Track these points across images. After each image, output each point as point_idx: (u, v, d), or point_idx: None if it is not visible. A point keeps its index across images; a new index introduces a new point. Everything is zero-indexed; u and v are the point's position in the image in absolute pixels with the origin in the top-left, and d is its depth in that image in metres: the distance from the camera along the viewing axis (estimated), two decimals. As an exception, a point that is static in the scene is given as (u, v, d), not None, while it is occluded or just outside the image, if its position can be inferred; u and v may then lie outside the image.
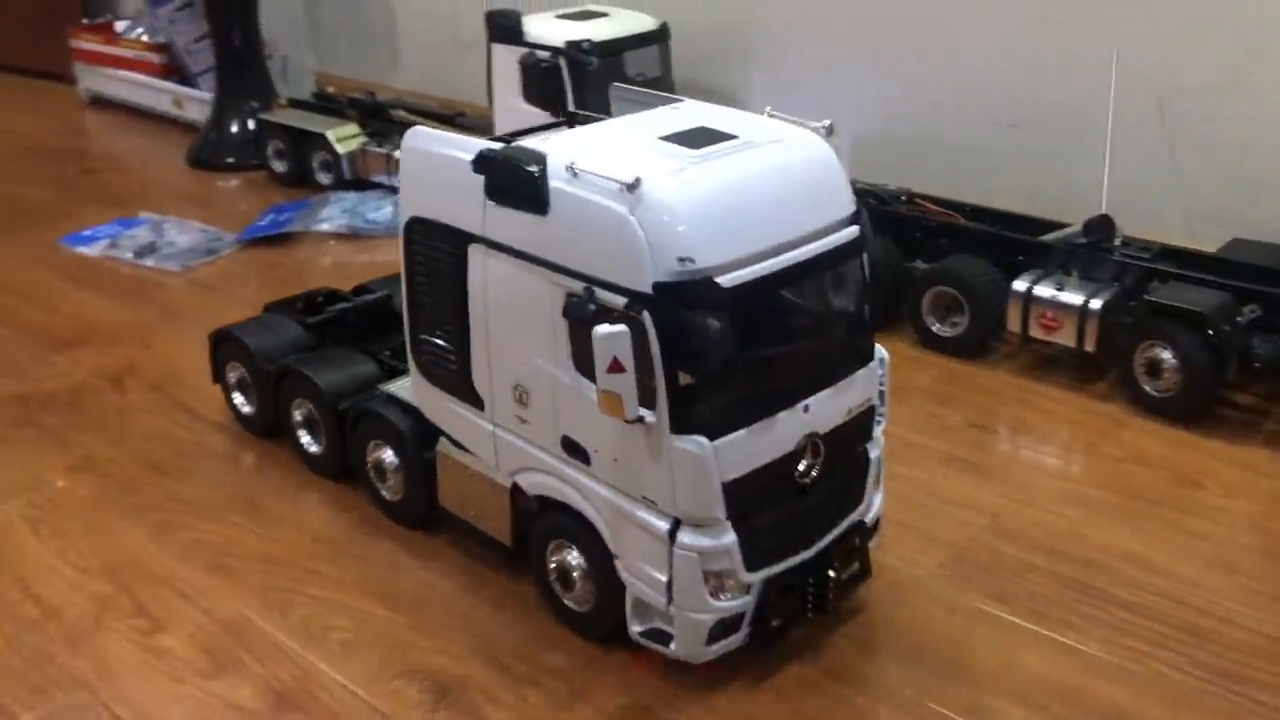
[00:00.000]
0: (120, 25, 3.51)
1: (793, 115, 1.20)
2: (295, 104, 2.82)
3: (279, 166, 2.74)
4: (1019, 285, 1.78)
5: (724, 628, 1.14)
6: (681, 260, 1.02)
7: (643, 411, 1.05)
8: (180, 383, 1.82)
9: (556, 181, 1.08)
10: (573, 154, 1.08)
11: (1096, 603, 1.30)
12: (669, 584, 1.11)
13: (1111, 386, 1.75)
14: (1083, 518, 1.45)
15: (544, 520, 1.24)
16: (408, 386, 1.39)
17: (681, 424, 1.05)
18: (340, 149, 2.58)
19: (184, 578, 1.37)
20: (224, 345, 1.67)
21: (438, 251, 1.23)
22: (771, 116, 1.21)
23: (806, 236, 1.10)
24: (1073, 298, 1.73)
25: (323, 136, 2.60)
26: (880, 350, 1.22)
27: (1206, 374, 1.62)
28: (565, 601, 1.24)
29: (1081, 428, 1.67)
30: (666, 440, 1.06)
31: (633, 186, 1.02)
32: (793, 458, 1.12)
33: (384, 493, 1.45)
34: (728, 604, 1.12)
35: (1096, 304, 1.71)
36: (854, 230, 1.15)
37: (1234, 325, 1.61)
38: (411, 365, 1.35)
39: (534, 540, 1.26)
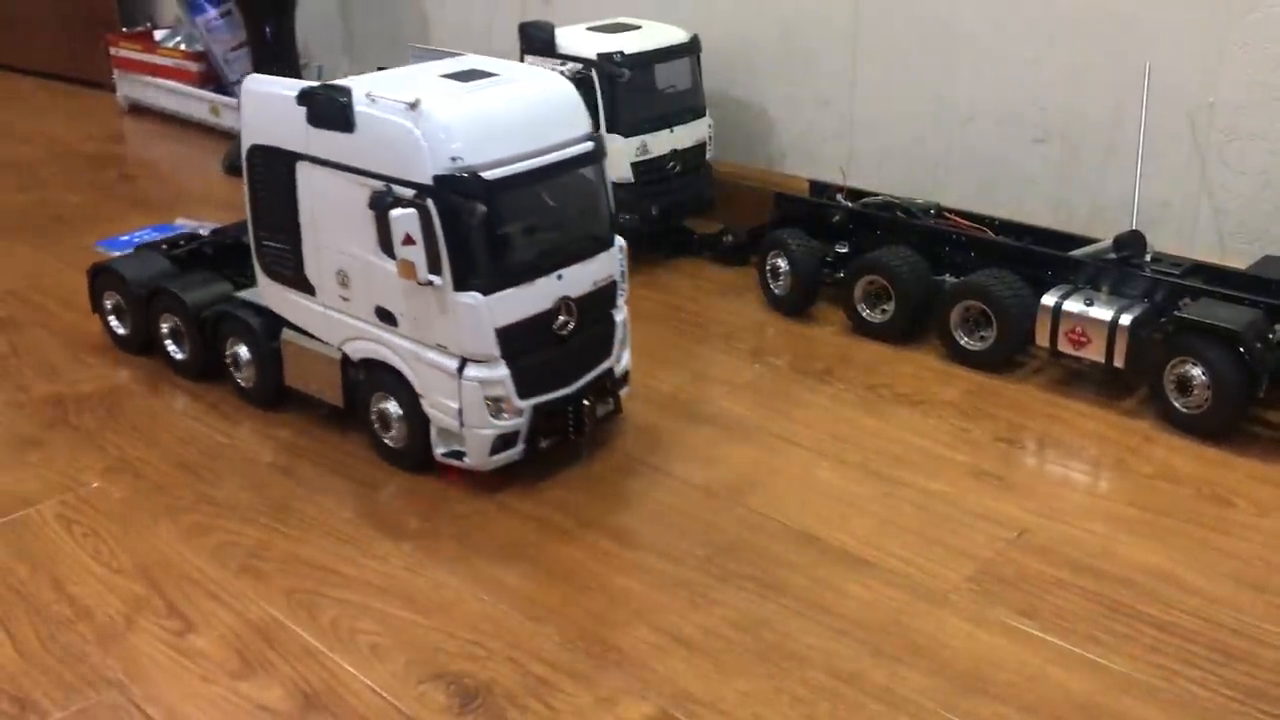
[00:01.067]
0: (159, 34, 3.56)
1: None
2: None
3: (312, 174, 2.77)
4: (1048, 300, 1.77)
5: (503, 443, 1.50)
6: (453, 159, 1.38)
7: (431, 276, 1.40)
8: (214, 387, 1.85)
9: (360, 106, 1.44)
10: (371, 87, 1.45)
11: (1124, 619, 1.30)
12: (460, 409, 1.47)
13: (1140, 402, 1.75)
14: (1111, 534, 1.45)
15: (367, 379, 1.59)
16: (255, 293, 1.74)
17: (461, 283, 1.41)
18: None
19: (215, 578, 1.39)
20: (101, 276, 1.96)
21: (273, 170, 1.58)
22: (531, 66, 1.71)
23: (551, 147, 1.48)
24: (1102, 313, 1.73)
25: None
26: (618, 239, 1.58)
27: (1237, 391, 1.61)
28: (386, 441, 1.60)
29: (1110, 443, 1.66)
30: (450, 297, 1.42)
31: (414, 105, 1.39)
32: (552, 314, 1.49)
33: (241, 382, 1.78)
34: (505, 423, 1.49)
35: (1126, 320, 1.71)
36: (590, 144, 1.52)
37: (1265, 342, 1.60)
38: (257, 268, 1.69)
39: (360, 396, 1.61)
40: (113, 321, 1.96)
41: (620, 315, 1.61)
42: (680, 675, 1.22)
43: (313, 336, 1.64)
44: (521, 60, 2.28)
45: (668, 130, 2.25)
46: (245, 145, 1.61)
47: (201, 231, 2.08)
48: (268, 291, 1.69)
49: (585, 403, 1.56)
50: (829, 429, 1.70)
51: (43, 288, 2.26)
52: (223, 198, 2.79)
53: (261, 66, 2.95)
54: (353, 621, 1.31)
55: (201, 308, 1.80)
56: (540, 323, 1.48)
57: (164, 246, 2.00)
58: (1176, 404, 1.67)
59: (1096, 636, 1.27)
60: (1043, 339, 1.79)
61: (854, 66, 2.33)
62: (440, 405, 1.49)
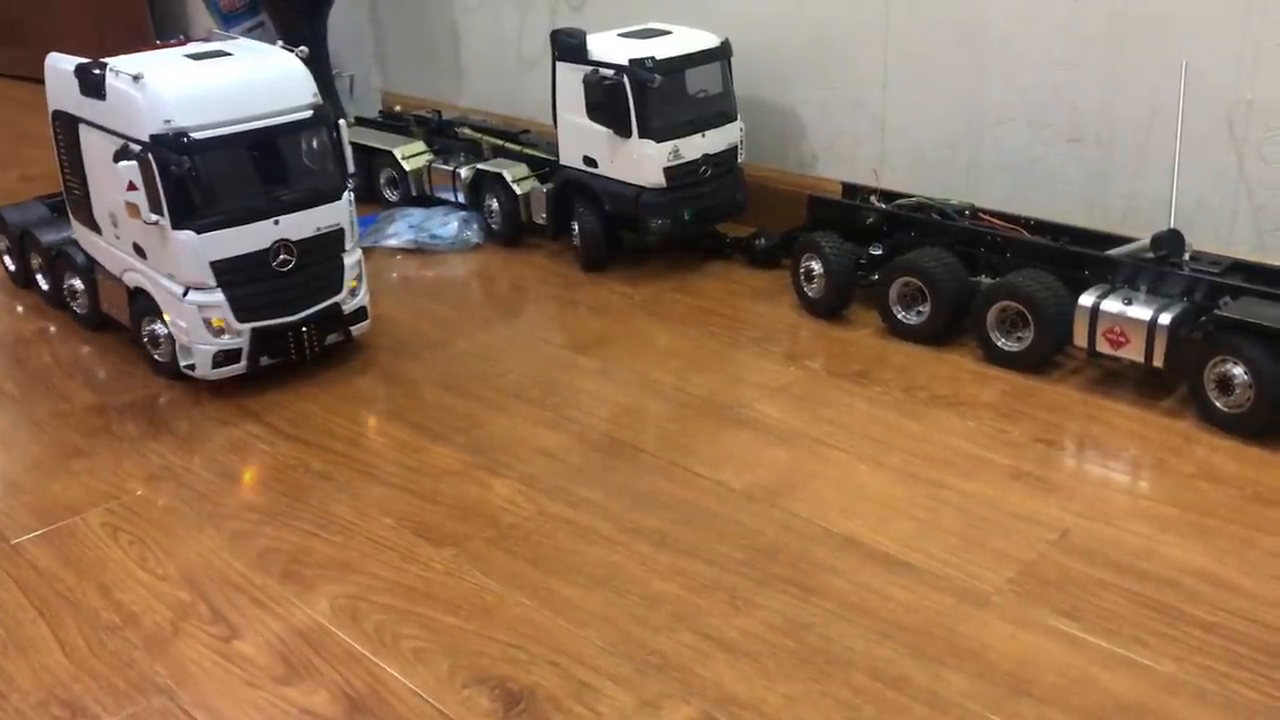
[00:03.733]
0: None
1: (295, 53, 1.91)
2: (363, 122, 2.87)
3: (346, 183, 2.80)
4: (1085, 300, 1.76)
5: (227, 357, 1.82)
6: (166, 121, 1.71)
7: (154, 216, 1.73)
8: (252, 394, 1.86)
9: (109, 79, 1.78)
10: (122, 64, 1.77)
11: (1170, 621, 1.29)
12: (185, 328, 1.80)
13: (1180, 402, 1.73)
14: (1154, 534, 1.44)
15: (138, 301, 1.91)
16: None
17: (178, 223, 1.74)
18: (407, 166, 2.62)
19: (259, 585, 1.40)
20: None
21: (68, 132, 1.93)
22: (269, 47, 1.94)
23: (264, 114, 1.79)
24: (1141, 313, 1.72)
25: (390, 154, 2.64)
26: (348, 193, 1.90)
27: (1276, 390, 1.59)
28: (154, 355, 1.92)
29: (1151, 444, 1.65)
30: (170, 234, 1.74)
31: (137, 78, 1.73)
32: (270, 253, 1.80)
33: (75, 309, 2.14)
34: (225, 342, 1.81)
35: (1166, 319, 1.70)
36: (308, 113, 1.83)
37: (1308, 341, 1.59)
38: (70, 214, 2.06)
39: (135, 317, 1.93)
40: (5, 260, 2.38)
41: (351, 259, 1.90)
42: (723, 679, 1.22)
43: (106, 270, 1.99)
44: (553, 66, 2.30)
45: (699, 135, 2.25)
46: (50, 109, 1.97)
47: None
48: (77, 231, 2.08)
49: (306, 330, 1.86)
50: (867, 432, 1.70)
51: (83, 298, 2.28)
52: (257, 207, 2.81)
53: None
54: (396, 626, 1.32)
55: (52, 247, 2.15)
56: (256, 259, 1.79)
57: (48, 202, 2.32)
58: (1217, 403, 1.66)
59: (1142, 638, 1.26)
60: (1081, 339, 1.78)
61: (885, 69, 2.33)
62: (175, 325, 1.83)
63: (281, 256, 1.81)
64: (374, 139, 2.71)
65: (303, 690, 1.24)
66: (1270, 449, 1.61)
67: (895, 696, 1.19)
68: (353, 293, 1.92)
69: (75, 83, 1.84)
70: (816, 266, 2.07)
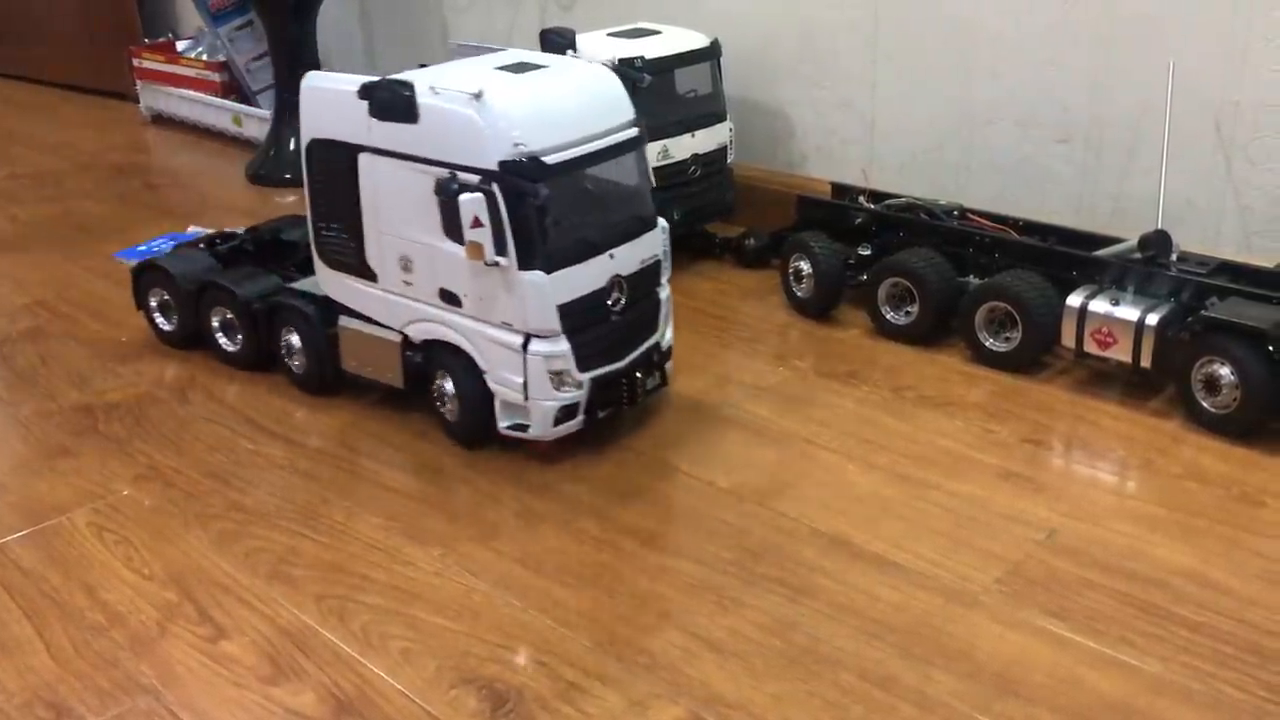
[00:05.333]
0: (180, 45, 3.59)
1: (568, 55, 1.75)
2: (351, 121, 2.85)
3: (335, 182, 2.79)
4: (1073, 300, 1.77)
5: (565, 414, 1.58)
6: (516, 145, 1.46)
7: (498, 257, 1.47)
8: (240, 394, 1.86)
9: (423, 98, 1.51)
10: (432, 80, 1.52)
11: (1157, 621, 1.29)
12: (525, 383, 1.55)
13: (1168, 402, 1.74)
14: (1141, 535, 1.44)
15: (429, 359, 1.66)
16: (307, 284, 1.83)
17: (525, 263, 1.49)
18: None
19: (246, 585, 1.40)
20: (146, 274, 2.01)
21: (335, 164, 1.64)
22: (573, 58, 1.73)
23: (600, 133, 1.56)
24: (1129, 313, 1.72)
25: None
26: (660, 220, 1.67)
27: (1266, 390, 1.60)
28: (446, 417, 1.67)
29: (1138, 444, 1.65)
30: (515, 276, 1.50)
31: (478, 95, 1.46)
32: (606, 291, 1.58)
33: (294, 369, 1.85)
34: (567, 395, 1.57)
35: (1153, 319, 1.70)
36: (636, 130, 1.62)
37: (1295, 341, 1.60)
38: (316, 258, 1.74)
39: (411, 374, 1.69)
40: (158, 319, 2.03)
41: (665, 292, 1.70)
42: (711, 679, 1.22)
43: (372, 321, 1.70)
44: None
45: (689, 135, 2.25)
46: (304, 139, 1.67)
47: (238, 231, 2.15)
48: (326, 279, 1.75)
49: (637, 375, 1.65)
50: (855, 432, 1.70)
51: (70, 298, 2.28)
52: (246, 206, 2.82)
53: (283, 76, 2.98)
54: (383, 627, 1.32)
55: (251, 301, 1.87)
56: (596, 299, 1.57)
57: (202, 245, 2.06)
58: (1204, 404, 1.66)
59: (1129, 638, 1.26)
60: (1068, 339, 1.78)
61: (874, 69, 2.33)
62: (505, 380, 1.57)
63: (615, 295, 1.59)
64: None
65: (289, 691, 1.23)
66: (1257, 449, 1.61)
67: (883, 696, 1.19)
68: (662, 332, 1.72)
69: (356, 105, 1.56)
70: (805, 267, 2.07)
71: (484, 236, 1.47)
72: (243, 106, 3.30)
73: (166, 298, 2.00)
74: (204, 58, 3.44)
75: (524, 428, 1.58)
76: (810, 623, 1.30)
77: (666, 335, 1.73)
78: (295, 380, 1.85)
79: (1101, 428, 1.70)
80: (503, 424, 1.60)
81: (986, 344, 1.87)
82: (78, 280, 2.37)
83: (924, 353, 1.94)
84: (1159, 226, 1.81)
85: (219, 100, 3.36)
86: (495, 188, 1.45)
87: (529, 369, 1.54)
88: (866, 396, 1.81)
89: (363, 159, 1.60)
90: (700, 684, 1.22)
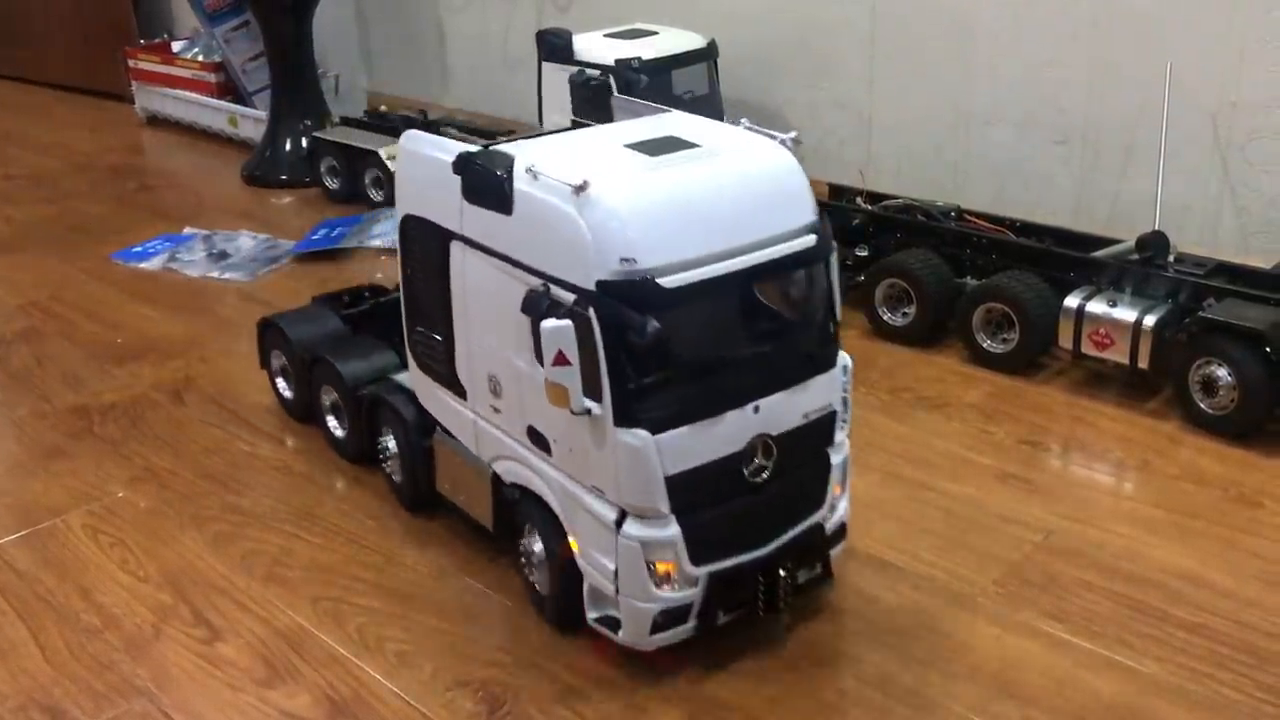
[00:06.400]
0: (176, 45, 3.58)
1: (742, 125, 1.28)
2: (348, 122, 2.86)
3: (331, 183, 2.78)
4: (1071, 302, 1.77)
5: (669, 618, 1.17)
6: (624, 260, 1.07)
7: (589, 403, 1.09)
8: (237, 396, 1.86)
9: (520, 183, 1.14)
10: (537, 158, 1.14)
11: (1154, 622, 1.29)
12: (616, 572, 1.16)
13: (1165, 404, 1.74)
14: (1138, 536, 1.44)
15: (519, 506, 1.30)
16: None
17: (624, 417, 1.10)
18: (392, 166, 2.61)
19: (241, 587, 1.39)
20: (269, 332, 1.77)
21: (426, 247, 1.31)
22: (747, 129, 1.26)
23: (758, 243, 1.13)
24: (1126, 314, 1.72)
25: (375, 154, 2.63)
26: (843, 357, 1.24)
27: (1263, 391, 1.60)
28: (534, 584, 1.30)
29: (1135, 445, 1.65)
30: (610, 432, 1.10)
31: (580, 189, 1.07)
32: (742, 457, 1.16)
33: (393, 476, 1.53)
34: (672, 595, 1.16)
35: (1150, 321, 1.70)
36: (811, 239, 1.17)
37: (1292, 342, 1.59)
38: (409, 355, 1.44)
39: (500, 519, 1.34)
40: (279, 383, 1.77)
41: (839, 455, 1.26)
42: (708, 681, 1.22)
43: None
44: (539, 67, 2.29)
45: (686, 135, 2.25)
46: (399, 212, 1.36)
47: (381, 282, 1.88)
48: (417, 383, 1.43)
49: (782, 572, 1.21)
50: (852, 432, 1.69)
51: (65, 299, 2.27)
52: (242, 208, 2.81)
53: (279, 77, 2.97)
54: (379, 629, 1.31)
55: (359, 384, 1.57)
56: (726, 468, 1.15)
57: (345, 299, 1.80)
58: (1202, 405, 1.66)
59: (1126, 639, 1.26)
60: (1066, 341, 1.78)
61: (872, 69, 2.33)
62: (594, 561, 1.18)
63: (758, 461, 1.17)
64: (359, 139, 2.71)
65: (285, 693, 1.23)
66: (1254, 450, 1.61)
67: (881, 698, 1.19)
68: (832, 504, 1.27)
69: (450, 180, 1.21)
70: (802, 267, 2.06)
71: (570, 378, 1.08)
72: (239, 107, 3.29)
73: (286, 361, 1.75)
74: (200, 58, 3.43)
75: (616, 625, 1.19)
76: (806, 625, 1.30)
77: (839, 510, 1.28)
78: (392, 488, 1.56)
79: (1099, 429, 1.70)
80: (591, 614, 1.22)
81: (984, 345, 1.87)
82: (73, 281, 2.36)
83: (921, 354, 1.94)
84: (1156, 227, 1.81)
85: (215, 101, 3.35)
86: (590, 314, 1.07)
87: (620, 556, 1.14)
88: (864, 398, 1.81)
89: (455, 249, 1.25)
90: (697, 686, 1.21)
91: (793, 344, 1.20)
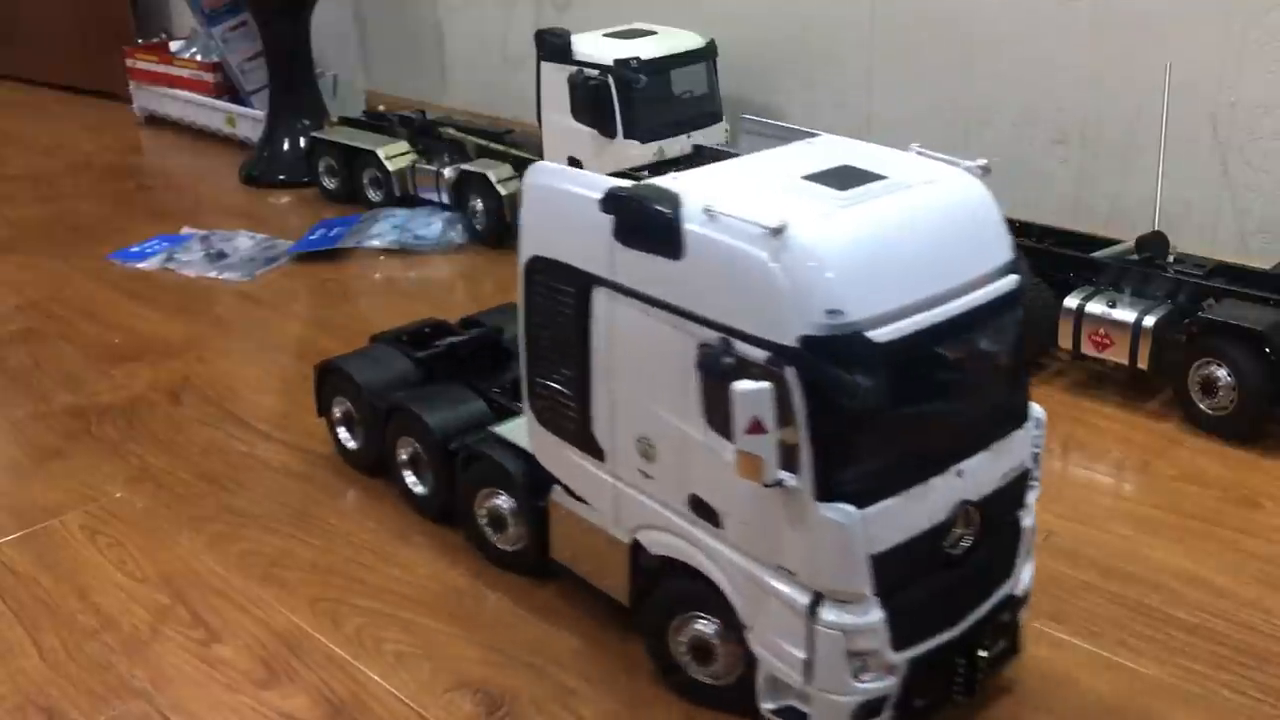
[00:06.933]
0: (174, 45, 3.57)
1: (941, 154, 1.15)
2: (346, 122, 2.86)
3: (330, 183, 2.78)
4: (1070, 302, 1.76)
5: (865, 711, 1.05)
6: (830, 313, 0.94)
7: (783, 475, 0.97)
8: (234, 396, 1.85)
9: (692, 224, 1.01)
10: (709, 194, 1.01)
11: (1153, 623, 1.29)
12: (807, 663, 1.03)
13: (1165, 404, 1.73)
14: (1138, 537, 1.44)
15: (669, 583, 1.16)
16: (519, 428, 1.34)
17: (827, 490, 0.97)
18: (390, 166, 2.61)
19: (239, 588, 1.39)
20: (330, 377, 1.61)
21: (560, 293, 1.16)
22: (920, 154, 1.15)
23: (964, 286, 1.02)
24: (1125, 315, 1.72)
25: (373, 154, 2.63)
26: (1036, 409, 1.13)
27: (1263, 392, 1.60)
28: (699, 677, 1.16)
29: (1135, 446, 1.65)
30: (809, 507, 0.98)
31: (778, 231, 0.94)
32: (944, 527, 1.04)
33: (495, 540, 1.38)
34: (872, 686, 1.03)
35: (1150, 321, 1.70)
36: (1012, 280, 1.06)
37: (1292, 343, 1.59)
38: (526, 409, 1.27)
39: (657, 604, 1.18)
40: (341, 433, 1.63)
41: (1028, 519, 1.15)
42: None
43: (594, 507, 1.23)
44: (538, 66, 2.28)
45: (684, 135, 2.25)
46: (524, 253, 1.20)
47: (450, 324, 1.70)
48: (538, 440, 1.27)
49: (982, 653, 1.10)
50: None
51: (63, 299, 2.27)
52: (240, 208, 2.81)
53: (277, 76, 2.97)
54: (377, 630, 1.31)
55: (449, 437, 1.44)
56: (929, 541, 1.03)
57: (404, 339, 1.65)
58: (1201, 406, 1.66)
59: (1125, 640, 1.26)
60: (1065, 341, 1.78)
61: (870, 68, 2.33)
62: (776, 649, 1.06)
63: (958, 531, 1.06)
64: (357, 139, 2.70)
65: (282, 694, 1.22)
66: (1254, 451, 1.61)
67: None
68: (1019, 573, 1.16)
69: (596, 219, 1.08)
70: (801, 268, 2.06)
71: (766, 447, 0.96)
72: (236, 107, 3.29)
73: (351, 409, 1.60)
74: (198, 58, 3.43)
75: (800, 718, 1.08)
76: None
77: (1023, 579, 1.16)
78: (493, 556, 1.40)
79: (1098, 429, 1.70)
80: (767, 704, 1.10)
81: (983, 345, 1.86)
82: (71, 282, 2.35)
83: (920, 354, 1.93)
84: (1156, 228, 1.81)
85: (213, 101, 3.35)
86: (791, 375, 0.95)
87: (817, 645, 1.02)
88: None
89: (599, 296, 1.12)
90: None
91: (991, 397, 1.10)
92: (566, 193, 1.13)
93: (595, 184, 1.09)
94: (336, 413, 1.62)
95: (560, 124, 2.27)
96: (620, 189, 1.07)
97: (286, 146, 2.95)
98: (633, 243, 1.06)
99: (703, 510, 1.08)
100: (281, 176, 2.93)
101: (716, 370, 0.99)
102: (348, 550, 1.46)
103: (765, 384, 0.95)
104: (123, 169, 3.18)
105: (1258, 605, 1.31)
